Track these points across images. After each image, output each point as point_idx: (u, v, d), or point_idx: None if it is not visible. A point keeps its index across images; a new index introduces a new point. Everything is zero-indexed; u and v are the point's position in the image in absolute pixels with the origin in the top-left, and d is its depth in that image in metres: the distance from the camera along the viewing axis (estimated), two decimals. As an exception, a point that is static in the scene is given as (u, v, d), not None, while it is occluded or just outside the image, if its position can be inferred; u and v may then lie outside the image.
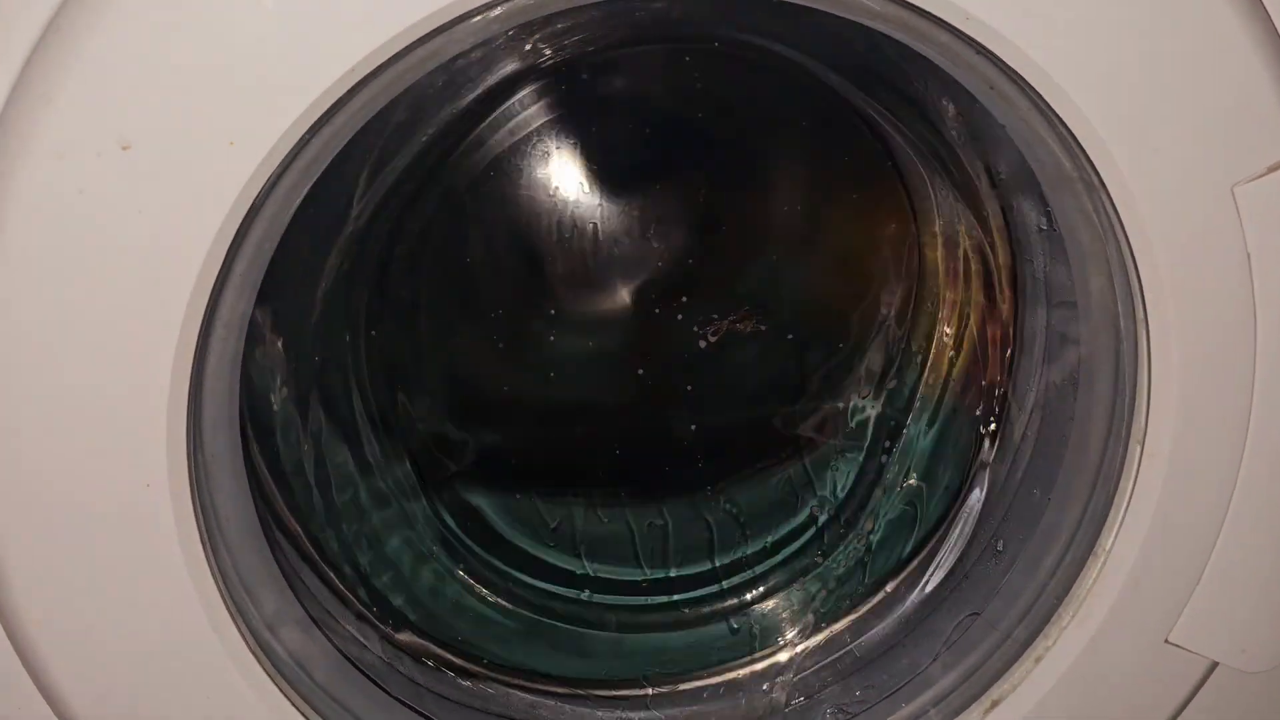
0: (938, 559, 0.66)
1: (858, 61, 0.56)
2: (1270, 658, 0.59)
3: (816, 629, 0.68)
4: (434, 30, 0.46)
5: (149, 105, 0.44)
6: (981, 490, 0.65)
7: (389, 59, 0.46)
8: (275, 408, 0.56)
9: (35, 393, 0.47)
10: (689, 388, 0.68)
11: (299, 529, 0.57)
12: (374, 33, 0.45)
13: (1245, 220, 0.51)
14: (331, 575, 0.60)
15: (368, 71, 0.45)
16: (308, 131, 0.46)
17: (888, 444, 0.70)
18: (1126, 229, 0.52)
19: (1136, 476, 0.57)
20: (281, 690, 0.54)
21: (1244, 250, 0.52)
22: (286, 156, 0.46)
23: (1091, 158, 0.51)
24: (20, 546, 0.49)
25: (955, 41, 0.50)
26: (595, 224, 0.65)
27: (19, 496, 0.49)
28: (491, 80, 0.53)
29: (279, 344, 0.54)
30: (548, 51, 0.52)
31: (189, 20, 0.44)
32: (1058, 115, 0.50)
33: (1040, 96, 0.49)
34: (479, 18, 0.47)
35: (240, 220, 0.47)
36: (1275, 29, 0.50)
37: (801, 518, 0.71)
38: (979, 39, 0.48)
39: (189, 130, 0.45)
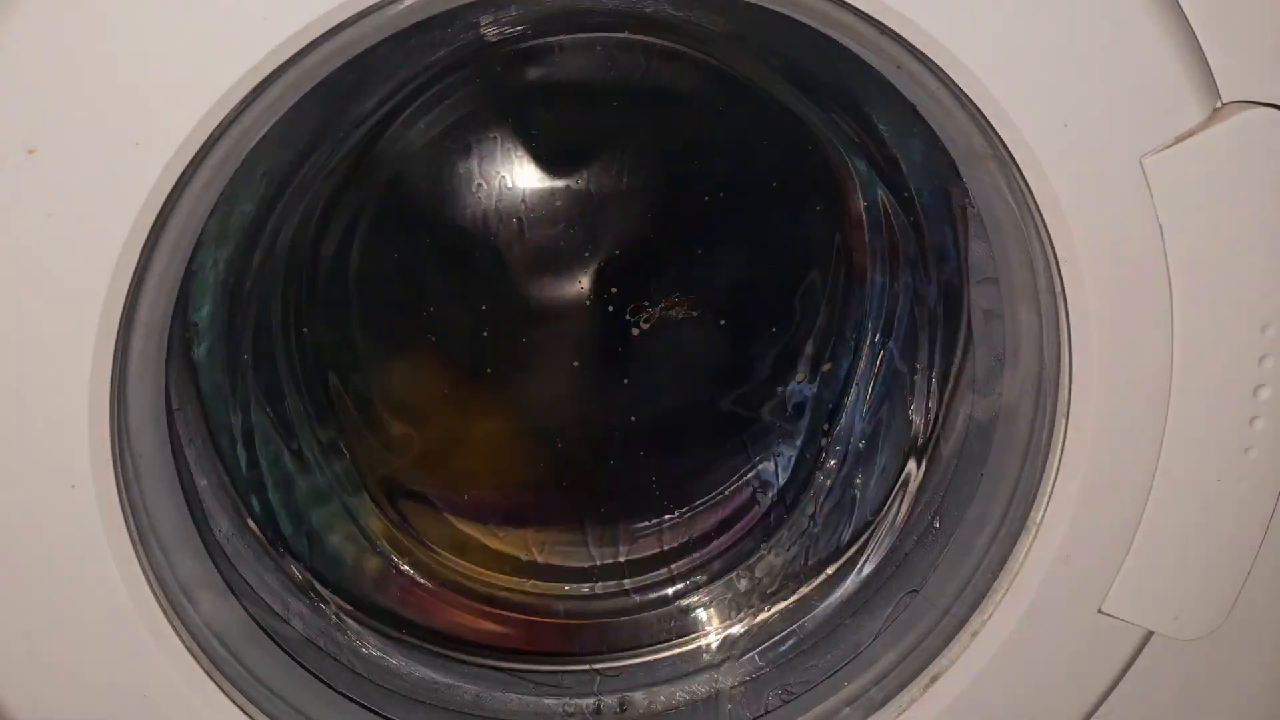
0: (876, 540, 0.67)
1: (780, 50, 0.57)
2: (1203, 625, 0.59)
3: (760, 612, 0.69)
4: (339, 24, 0.46)
5: (53, 108, 0.45)
6: (918, 471, 0.65)
7: (294, 54, 0.46)
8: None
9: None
10: (625, 378, 0.68)
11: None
12: (277, 29, 0.45)
13: (1155, 191, 0.52)
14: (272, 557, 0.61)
15: (272, 69, 0.46)
16: (215, 129, 0.46)
17: (825, 428, 0.70)
18: (1039, 204, 0.52)
19: (1063, 451, 0.58)
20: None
21: (1155, 221, 0.52)
22: (195, 156, 0.46)
23: (1000, 134, 0.51)
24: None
25: (860, 23, 0.50)
26: (521, 216, 0.65)
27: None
28: (407, 74, 0.54)
29: (206, 345, 0.54)
30: (462, 43, 0.53)
31: (91, 21, 0.44)
32: (964, 93, 0.50)
33: (946, 75, 0.50)
34: (382, 11, 0.47)
35: (152, 221, 0.47)
36: (1178, 5, 0.50)
37: (743, 502, 0.72)
38: (884, 20, 0.49)
39: (94, 132, 0.45)
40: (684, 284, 0.67)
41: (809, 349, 0.69)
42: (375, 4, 0.46)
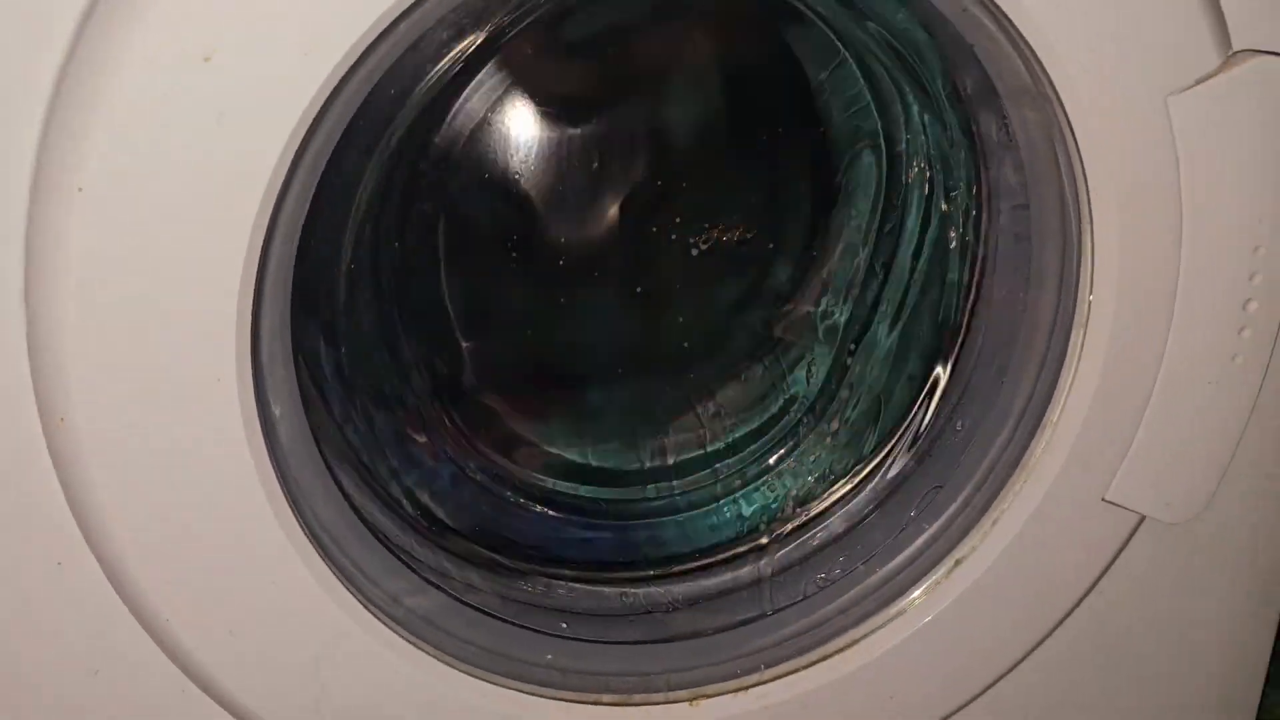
0: (903, 442, 0.74)
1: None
2: (1188, 509, 0.69)
3: (796, 511, 0.76)
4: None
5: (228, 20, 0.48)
6: (942, 379, 0.73)
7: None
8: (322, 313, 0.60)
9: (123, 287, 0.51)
10: (675, 297, 0.74)
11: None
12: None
13: (1176, 128, 0.60)
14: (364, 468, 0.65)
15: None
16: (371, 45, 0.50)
17: (853, 346, 0.77)
18: (1077, 136, 0.60)
19: (1080, 358, 0.66)
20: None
21: (1175, 155, 0.60)
22: (351, 68, 0.50)
23: (1049, 73, 0.58)
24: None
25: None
26: (573, 154, 0.70)
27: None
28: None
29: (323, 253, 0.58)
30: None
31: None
32: (1023, 36, 0.57)
33: (1007, 17, 0.57)
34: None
35: (307, 128, 0.51)
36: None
37: (776, 409, 0.79)
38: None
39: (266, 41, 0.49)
40: (732, 211, 0.72)
41: (845, 270, 0.76)
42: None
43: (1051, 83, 0.59)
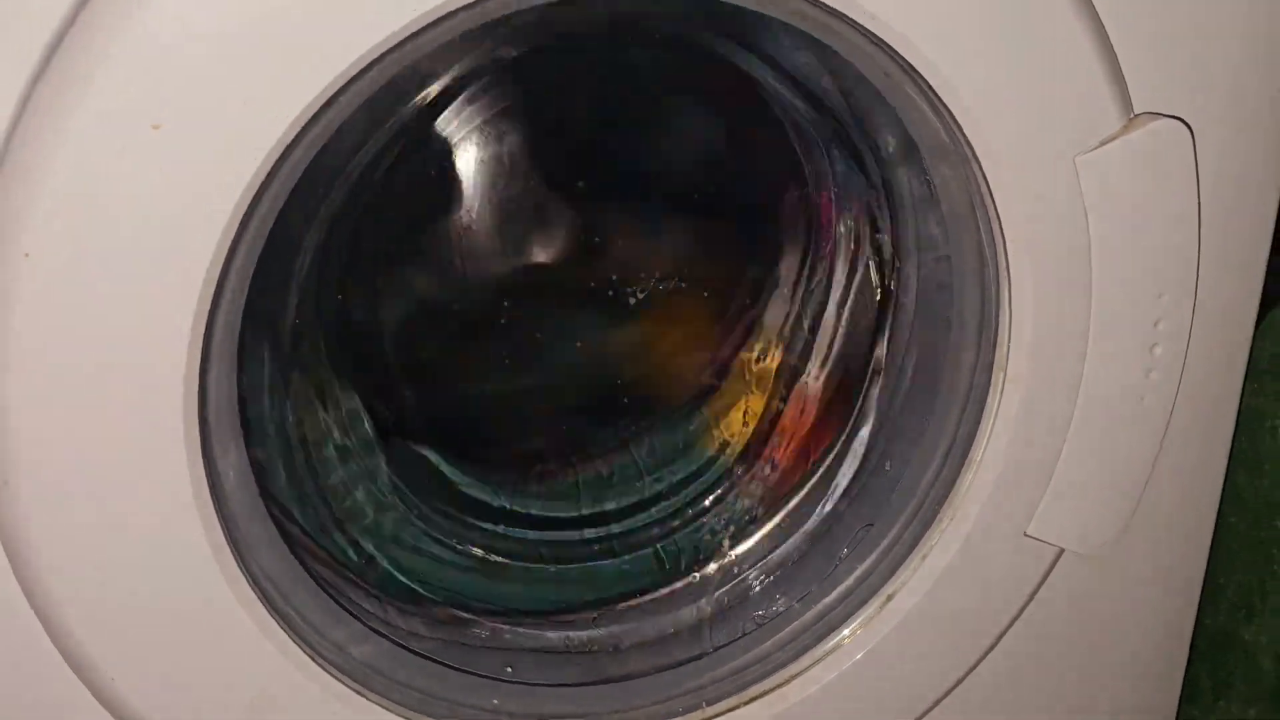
0: (835, 483, 0.77)
1: (769, 49, 0.65)
2: (1103, 542, 0.72)
3: (732, 550, 0.78)
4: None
5: (177, 88, 0.49)
6: (870, 421, 0.76)
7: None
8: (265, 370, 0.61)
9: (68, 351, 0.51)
10: (613, 344, 0.76)
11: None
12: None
13: (1084, 185, 0.63)
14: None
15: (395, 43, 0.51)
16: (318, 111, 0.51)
17: (784, 391, 0.80)
18: (993, 192, 0.63)
19: (1000, 399, 0.69)
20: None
21: (1083, 209, 0.64)
22: (298, 134, 0.52)
23: (967, 135, 0.62)
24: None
25: (857, 36, 0.60)
26: (510, 204, 0.72)
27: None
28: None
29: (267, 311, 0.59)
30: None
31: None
32: (942, 100, 0.60)
33: (928, 83, 0.60)
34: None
35: (254, 194, 0.52)
36: (1104, 29, 0.62)
37: (711, 453, 0.81)
38: (882, 36, 0.58)
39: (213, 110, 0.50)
40: (668, 261, 0.75)
41: (776, 316, 0.79)
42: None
43: (969, 143, 0.62)
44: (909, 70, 0.60)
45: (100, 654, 0.57)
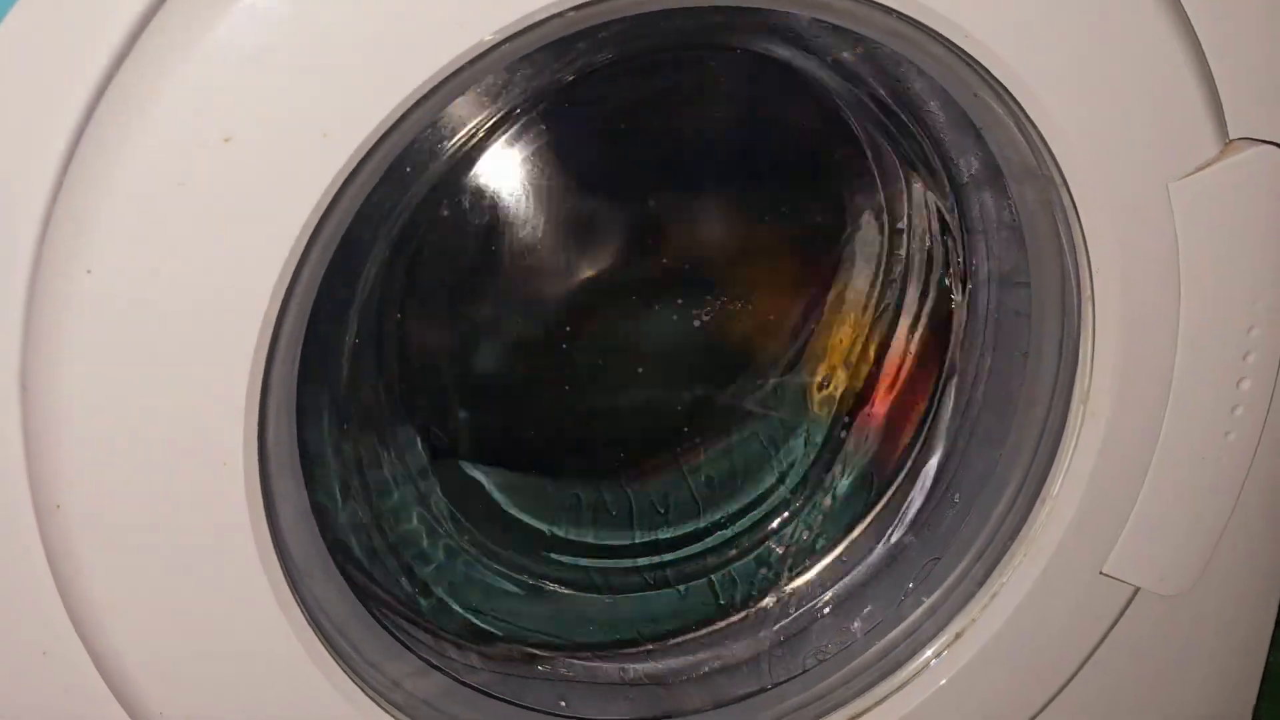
0: (900, 513, 0.74)
1: (854, 67, 0.63)
2: (1183, 582, 0.70)
3: (792, 583, 0.76)
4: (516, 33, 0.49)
5: (250, 100, 0.47)
6: (938, 451, 0.73)
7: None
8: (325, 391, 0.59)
9: (128, 371, 0.49)
10: (673, 369, 0.74)
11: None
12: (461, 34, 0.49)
13: (1176, 212, 0.61)
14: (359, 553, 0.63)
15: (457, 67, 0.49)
16: (391, 128, 0.49)
17: (848, 419, 0.77)
18: (1081, 218, 0.61)
19: (1079, 433, 0.66)
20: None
21: (1174, 238, 0.61)
22: (370, 151, 0.49)
23: (1056, 157, 0.59)
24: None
25: (947, 54, 0.57)
26: (581, 222, 0.69)
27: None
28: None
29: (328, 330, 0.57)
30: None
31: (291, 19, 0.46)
32: (1031, 120, 0.58)
33: (1018, 103, 0.58)
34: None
35: (324, 210, 0.49)
36: (1203, 53, 0.59)
37: (771, 481, 0.78)
38: (972, 53, 0.56)
39: (285, 124, 0.47)
40: (732, 280, 0.72)
41: (843, 340, 0.76)
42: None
43: (1058, 165, 0.60)
44: (998, 89, 0.57)
45: (149, 688, 0.55)
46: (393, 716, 0.60)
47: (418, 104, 0.49)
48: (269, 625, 0.55)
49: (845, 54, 0.62)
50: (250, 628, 0.55)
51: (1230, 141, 0.61)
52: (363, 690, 0.58)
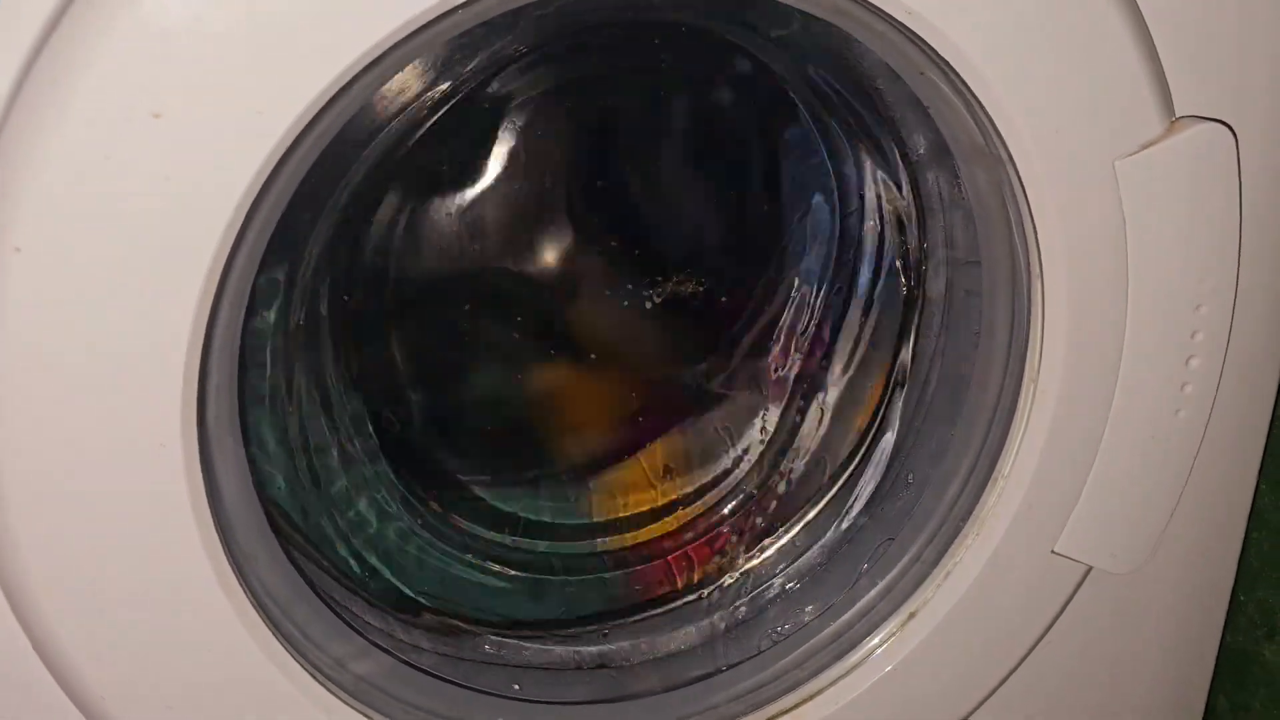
0: (854, 496, 0.74)
1: (799, 45, 0.63)
2: (1134, 561, 0.70)
3: (746, 564, 0.76)
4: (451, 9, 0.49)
5: (180, 74, 0.46)
6: (892, 431, 0.73)
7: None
8: (267, 374, 0.58)
9: (61, 352, 0.48)
10: (628, 351, 0.73)
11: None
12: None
13: (1123, 190, 0.61)
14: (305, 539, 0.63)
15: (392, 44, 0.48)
16: (327, 104, 0.49)
17: (802, 401, 0.77)
18: (1029, 196, 0.61)
19: (1030, 411, 0.66)
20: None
21: (1121, 216, 0.61)
22: (307, 126, 0.49)
23: (1003, 135, 0.59)
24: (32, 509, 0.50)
25: (892, 32, 0.57)
26: (527, 202, 0.69)
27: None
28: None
29: (270, 312, 0.56)
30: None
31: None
32: (978, 99, 0.58)
33: (963, 81, 0.57)
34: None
35: (259, 188, 0.49)
36: (1148, 31, 0.59)
37: (727, 464, 0.78)
38: (919, 31, 0.56)
39: (218, 99, 0.47)
40: (684, 262, 0.72)
41: (798, 322, 0.76)
42: None
43: (1004, 143, 0.59)
44: (944, 68, 0.57)
45: (89, 670, 0.54)
46: (337, 697, 0.59)
47: (354, 79, 0.49)
48: (210, 605, 0.55)
49: (788, 30, 0.62)
50: (190, 607, 0.55)
51: (1176, 119, 0.61)
52: (306, 670, 0.58)
